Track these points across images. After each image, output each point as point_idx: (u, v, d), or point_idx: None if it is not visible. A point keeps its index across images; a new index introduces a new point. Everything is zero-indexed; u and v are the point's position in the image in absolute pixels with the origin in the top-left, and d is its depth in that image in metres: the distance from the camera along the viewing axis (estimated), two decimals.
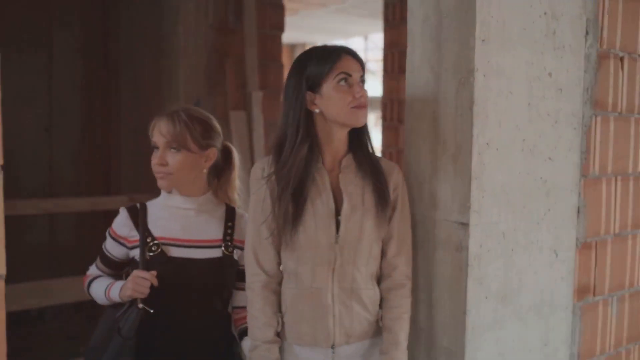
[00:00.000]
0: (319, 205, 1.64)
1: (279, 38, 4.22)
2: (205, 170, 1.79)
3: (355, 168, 1.68)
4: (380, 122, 5.17)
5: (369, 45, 9.88)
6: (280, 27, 4.20)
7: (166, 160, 1.71)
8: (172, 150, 1.71)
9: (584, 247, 1.86)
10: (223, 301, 1.81)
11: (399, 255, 1.69)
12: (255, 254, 1.68)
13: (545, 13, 1.70)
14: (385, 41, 4.99)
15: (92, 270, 1.87)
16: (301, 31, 8.64)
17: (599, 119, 1.87)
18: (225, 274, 1.77)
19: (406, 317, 1.66)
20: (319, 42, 10.02)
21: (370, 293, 1.67)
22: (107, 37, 4.59)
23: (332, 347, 1.65)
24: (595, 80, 1.85)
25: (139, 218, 1.75)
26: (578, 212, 1.84)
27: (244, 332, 1.79)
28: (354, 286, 1.65)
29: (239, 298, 1.84)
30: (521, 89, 1.66)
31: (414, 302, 1.71)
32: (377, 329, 1.69)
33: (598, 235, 1.90)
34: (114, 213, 1.82)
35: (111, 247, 1.81)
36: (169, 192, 1.79)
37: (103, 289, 1.78)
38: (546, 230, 1.75)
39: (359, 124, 1.64)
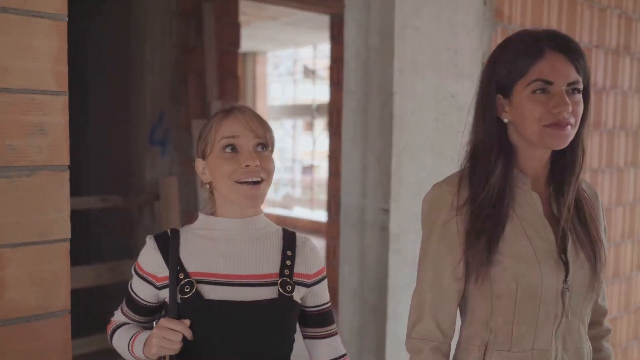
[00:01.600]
0: (537, 241, 1.30)
1: (236, 53, 4.68)
2: None
3: (566, 192, 1.34)
4: (327, 128, 5.70)
5: (318, 54, 10.41)
6: (236, 44, 4.65)
7: (261, 162, 1.31)
8: (261, 148, 1.33)
9: None
10: (282, 356, 1.37)
11: (604, 298, 1.45)
12: (433, 309, 1.34)
13: (449, 49, 2.22)
14: (331, 55, 5.51)
15: (117, 316, 1.46)
16: (253, 41, 9.08)
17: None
18: (283, 321, 1.34)
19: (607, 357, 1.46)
20: (269, 51, 10.50)
21: (587, 348, 1.38)
22: (77, 51, 4.96)
23: None
24: None
25: (169, 248, 1.35)
26: None
27: None
28: (579, 345, 1.35)
29: (322, 352, 1.43)
30: (430, 107, 2.18)
31: (351, 271, 2.20)
32: None
33: None
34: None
35: (138, 287, 1.39)
36: (214, 210, 1.39)
37: (127, 341, 1.37)
38: None
39: (553, 147, 1.28)
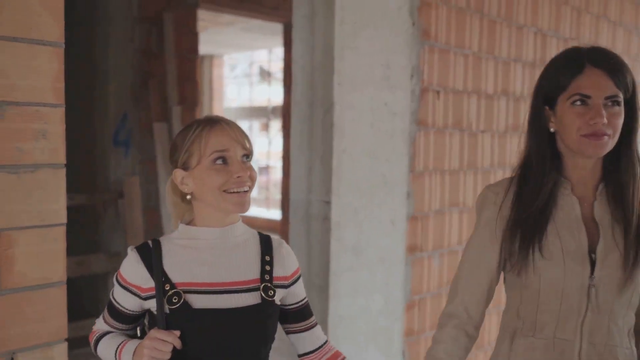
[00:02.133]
0: (568, 239, 1.41)
1: (194, 60, 4.96)
2: None
3: (610, 196, 1.44)
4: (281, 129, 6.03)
5: (273, 57, 10.71)
6: (195, 51, 4.94)
7: (249, 173, 1.37)
8: (246, 158, 1.39)
9: (412, 219, 2.77)
10: (265, 357, 1.44)
11: None
12: (463, 293, 1.50)
13: (382, 65, 2.58)
14: (285, 60, 5.84)
15: (99, 324, 1.50)
16: (210, 45, 9.34)
17: (421, 133, 2.78)
18: (266, 324, 1.40)
19: None
20: (226, 54, 10.75)
21: (627, 352, 1.43)
22: None
23: None
24: (419, 106, 2.76)
25: (152, 259, 1.37)
26: (408, 195, 2.74)
27: None
28: (610, 342, 1.41)
29: (305, 343, 1.51)
30: (366, 115, 2.53)
31: (299, 257, 2.53)
32: None
33: (422, 211, 2.82)
34: None
35: (120, 297, 1.42)
36: (193, 220, 1.42)
37: (113, 350, 1.41)
38: (386, 208, 2.64)
39: (590, 156, 1.40)
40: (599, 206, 1.42)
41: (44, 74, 1.54)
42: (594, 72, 1.36)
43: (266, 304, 1.37)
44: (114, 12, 4.41)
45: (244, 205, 1.35)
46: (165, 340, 1.29)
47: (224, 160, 1.34)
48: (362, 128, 2.52)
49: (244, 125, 12.04)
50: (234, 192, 1.33)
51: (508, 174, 3.33)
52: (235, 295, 1.36)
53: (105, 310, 1.46)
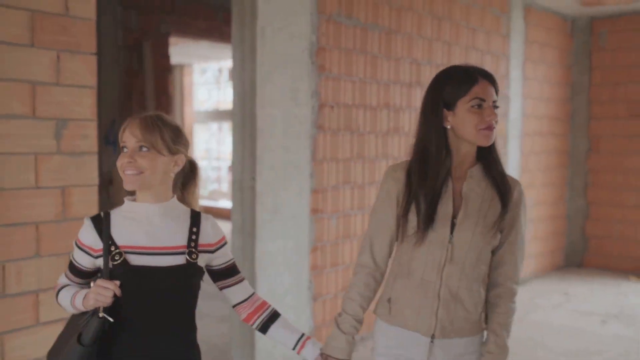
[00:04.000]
0: (439, 208, 1.77)
1: (167, 77, 6.29)
2: (172, 175, 1.74)
3: (480, 178, 1.81)
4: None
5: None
6: (168, 69, 6.26)
7: (136, 159, 1.63)
8: (143, 150, 1.65)
9: (314, 191, 4.14)
10: (188, 310, 1.75)
11: (512, 265, 1.84)
12: (372, 245, 1.87)
13: (290, 89, 3.95)
14: None
15: (62, 279, 1.81)
16: (181, 56, 10.64)
17: (320, 134, 4.16)
18: (188, 282, 1.71)
19: (511, 322, 1.85)
20: (195, 63, 12.04)
21: (474, 295, 1.81)
22: None
23: (432, 337, 1.80)
24: (318, 116, 4.14)
25: (102, 227, 1.68)
26: (311, 175, 4.11)
27: (266, 324, 1.85)
28: (460, 286, 1.79)
29: (236, 295, 1.86)
30: (280, 123, 3.89)
31: (236, 213, 3.88)
32: (477, 328, 1.84)
33: (322, 186, 4.19)
34: None
35: (78, 257, 1.74)
36: (133, 196, 1.74)
37: (69, 297, 1.73)
38: (294, 183, 4.01)
39: (486, 144, 1.77)
40: (468, 184, 1.80)
41: (86, 104, 2.88)
42: (485, 83, 1.75)
43: (189, 265, 1.69)
44: (104, 41, 5.71)
45: (132, 185, 1.65)
46: (107, 287, 1.61)
47: (125, 149, 1.69)
48: (277, 131, 3.89)
49: (213, 126, 13.30)
50: (126, 174, 1.66)
51: (390, 162, 4.71)
52: (165, 256, 1.68)
53: (67, 268, 1.80)
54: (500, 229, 1.82)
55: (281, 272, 3.95)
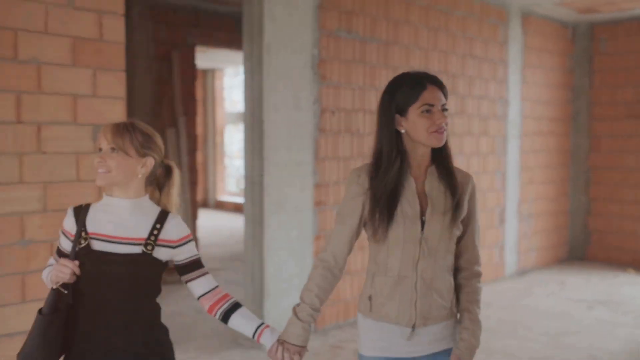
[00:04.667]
0: (407, 208, 1.87)
1: (194, 84, 6.93)
2: (140, 176, 1.88)
3: (438, 176, 1.93)
4: None
5: None
6: (194, 77, 6.91)
7: (105, 159, 1.82)
8: (113, 152, 1.82)
9: (317, 186, 4.71)
10: (143, 295, 1.90)
11: (474, 250, 2.01)
12: (333, 243, 1.97)
13: (294, 97, 4.52)
14: None
15: (50, 261, 2.00)
16: (211, 62, 11.33)
17: (322, 135, 4.72)
18: (141, 270, 1.85)
19: (480, 299, 1.99)
20: (221, 67, 12.72)
21: (446, 283, 1.95)
22: None
23: (413, 327, 1.90)
24: (319, 120, 4.70)
25: (80, 215, 1.89)
26: (313, 172, 4.68)
27: (227, 313, 1.96)
28: (433, 277, 1.91)
29: (199, 287, 1.98)
30: (284, 126, 4.47)
31: (247, 203, 4.47)
32: (451, 313, 1.98)
33: (324, 181, 4.76)
34: None
35: (61, 240, 1.94)
36: (105, 190, 1.93)
37: (47, 274, 1.95)
38: (299, 179, 4.58)
39: (438, 145, 1.87)
40: (429, 183, 1.92)
41: (117, 111, 3.50)
42: (434, 89, 1.85)
43: (144, 255, 1.85)
44: (138, 53, 6.38)
45: (100, 180, 1.86)
46: (67, 265, 1.81)
47: (101, 150, 1.88)
48: (282, 134, 4.47)
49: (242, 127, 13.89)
50: (98, 171, 1.86)
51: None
52: (125, 245, 1.85)
53: (55, 252, 2.01)
54: (462, 220, 1.96)
55: (286, 257, 4.53)
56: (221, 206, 12.82)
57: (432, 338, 1.94)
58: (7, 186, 3.11)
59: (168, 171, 2.00)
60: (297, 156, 4.57)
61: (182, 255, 1.95)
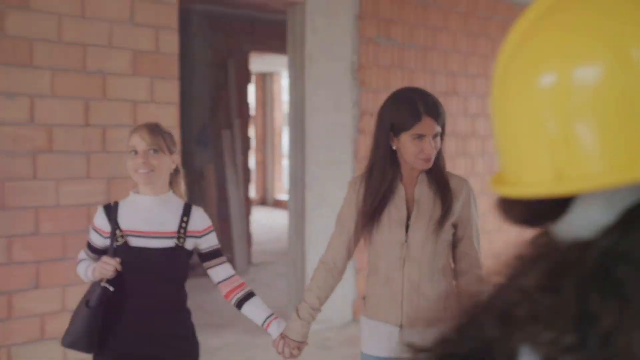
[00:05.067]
0: (394, 212, 1.98)
1: (246, 88, 7.38)
2: (169, 172, 2.02)
3: (428, 183, 2.00)
4: None
5: None
6: (247, 82, 7.36)
7: (149, 160, 1.92)
8: (152, 152, 1.93)
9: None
10: (177, 283, 2.04)
11: (473, 255, 2.05)
12: (332, 246, 2.09)
13: (334, 101, 4.87)
14: None
15: (81, 254, 2.13)
16: (268, 65, 11.81)
17: (361, 136, 5.05)
18: (176, 261, 1.99)
19: None
20: (278, 70, 13.19)
21: (435, 286, 2.00)
22: None
23: (401, 326, 1.98)
24: (359, 122, 5.03)
25: (111, 213, 1.99)
26: (353, 171, 5.01)
27: (241, 301, 2.11)
28: (421, 278, 1.98)
29: (218, 274, 2.12)
30: (325, 128, 4.82)
31: (294, 198, 4.85)
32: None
33: None
34: None
35: (92, 236, 2.06)
36: (138, 190, 2.04)
37: (84, 269, 2.07)
38: (337, 176, 4.92)
39: (423, 169, 1.98)
40: (418, 189, 2.01)
41: (172, 115, 3.94)
42: (428, 120, 1.92)
43: (177, 247, 1.99)
44: (198, 61, 6.87)
45: (146, 184, 1.97)
46: (109, 263, 1.93)
47: (135, 152, 1.96)
48: (322, 134, 4.82)
49: None
50: (139, 172, 1.96)
51: None
52: (158, 240, 1.97)
53: (85, 246, 2.14)
54: (454, 224, 2.04)
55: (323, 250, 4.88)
56: (279, 204, 13.28)
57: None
58: (76, 180, 3.60)
59: (176, 167, 2.12)
60: (337, 155, 4.92)
61: (205, 244, 2.10)
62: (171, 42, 3.90)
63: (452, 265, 2.10)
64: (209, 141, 6.94)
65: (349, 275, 4.99)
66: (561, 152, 0.54)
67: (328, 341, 4.59)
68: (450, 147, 5.63)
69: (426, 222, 1.99)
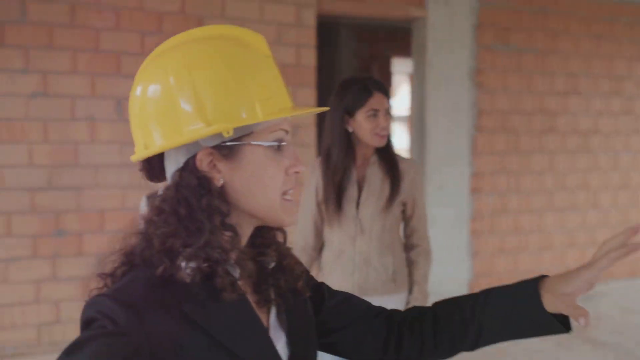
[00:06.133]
0: (347, 191, 2.14)
1: (389, 89, 8.18)
2: None
3: (379, 164, 2.16)
4: None
5: None
6: (389, 83, 8.13)
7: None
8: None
9: (474, 174, 5.63)
10: None
11: (421, 232, 2.29)
12: (302, 229, 2.24)
13: (453, 102, 5.50)
14: None
15: None
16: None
17: (478, 134, 5.63)
18: None
19: (429, 273, 2.26)
20: None
21: (384, 259, 2.18)
22: None
23: None
24: (476, 121, 5.62)
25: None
26: (470, 163, 5.61)
27: None
28: (370, 251, 2.17)
29: None
30: (444, 125, 5.48)
31: None
32: (391, 288, 2.21)
33: (480, 171, 5.66)
34: None
35: None
36: None
37: None
38: (457, 168, 5.55)
39: (379, 146, 2.13)
40: (370, 169, 2.16)
41: (309, 117, 4.86)
42: (379, 95, 2.09)
43: None
44: (345, 67, 7.76)
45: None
46: None
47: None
48: (442, 131, 5.49)
49: None
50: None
51: (545, 157, 5.95)
52: None
53: None
54: (403, 202, 2.24)
55: (442, 233, 5.55)
56: None
57: None
58: None
59: None
60: (454, 150, 5.55)
61: None
62: (310, 57, 4.82)
63: (403, 240, 2.33)
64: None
65: (462, 259, 5.61)
66: (142, 133, 0.96)
67: None
68: (571, 144, 6.01)
69: (375, 199, 2.17)
